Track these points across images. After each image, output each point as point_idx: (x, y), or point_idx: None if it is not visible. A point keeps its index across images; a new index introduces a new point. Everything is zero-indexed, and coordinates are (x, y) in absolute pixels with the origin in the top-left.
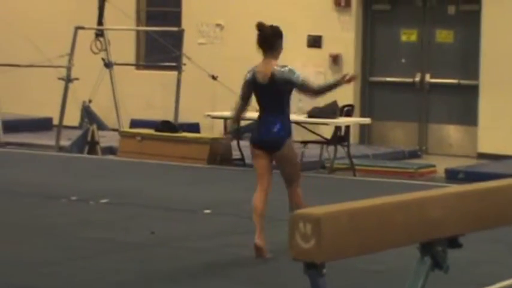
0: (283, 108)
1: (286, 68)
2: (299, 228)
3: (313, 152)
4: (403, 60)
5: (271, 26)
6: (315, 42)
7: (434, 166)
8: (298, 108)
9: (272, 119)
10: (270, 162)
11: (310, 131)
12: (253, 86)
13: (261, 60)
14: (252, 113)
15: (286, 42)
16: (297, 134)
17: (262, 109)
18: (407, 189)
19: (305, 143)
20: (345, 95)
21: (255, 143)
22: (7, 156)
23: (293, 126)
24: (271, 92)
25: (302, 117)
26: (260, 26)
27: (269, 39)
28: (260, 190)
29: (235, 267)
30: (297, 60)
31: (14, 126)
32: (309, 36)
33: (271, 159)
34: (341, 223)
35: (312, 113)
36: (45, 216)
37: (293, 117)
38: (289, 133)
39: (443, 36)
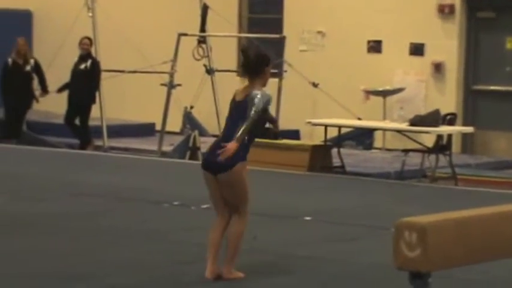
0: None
1: (259, 93)
2: (404, 237)
3: (414, 161)
4: (508, 69)
5: (257, 54)
6: (417, 50)
7: None
8: (400, 116)
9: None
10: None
11: (412, 139)
12: (232, 104)
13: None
14: (353, 121)
15: (388, 49)
16: (398, 142)
17: (225, 128)
18: (510, 200)
19: (406, 151)
20: (448, 103)
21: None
22: (111, 161)
23: (395, 134)
24: (239, 111)
25: (403, 126)
26: (244, 52)
27: (252, 66)
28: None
29: (334, 275)
30: (398, 68)
31: (118, 131)
32: (411, 44)
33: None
34: (447, 233)
35: (414, 121)
36: (148, 220)
37: (394, 125)
38: (241, 158)
39: None
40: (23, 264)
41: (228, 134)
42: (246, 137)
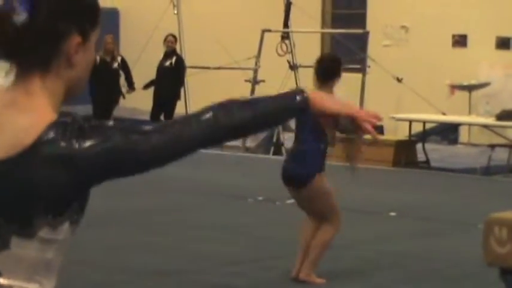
0: (320, 137)
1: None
2: (494, 233)
3: (500, 156)
4: None
5: (333, 59)
6: (503, 43)
7: None
8: (486, 111)
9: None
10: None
11: (498, 134)
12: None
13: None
14: (438, 116)
15: (473, 43)
16: (484, 137)
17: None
18: None
19: (493, 146)
20: None
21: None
22: (195, 156)
23: (481, 129)
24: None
25: (490, 120)
26: (323, 57)
27: (329, 71)
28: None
29: (419, 271)
30: (483, 62)
31: None
32: (498, 37)
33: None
34: None
35: (501, 116)
36: (232, 215)
37: (481, 120)
38: (318, 169)
39: None
40: (115, 257)
41: (306, 139)
42: (322, 145)
